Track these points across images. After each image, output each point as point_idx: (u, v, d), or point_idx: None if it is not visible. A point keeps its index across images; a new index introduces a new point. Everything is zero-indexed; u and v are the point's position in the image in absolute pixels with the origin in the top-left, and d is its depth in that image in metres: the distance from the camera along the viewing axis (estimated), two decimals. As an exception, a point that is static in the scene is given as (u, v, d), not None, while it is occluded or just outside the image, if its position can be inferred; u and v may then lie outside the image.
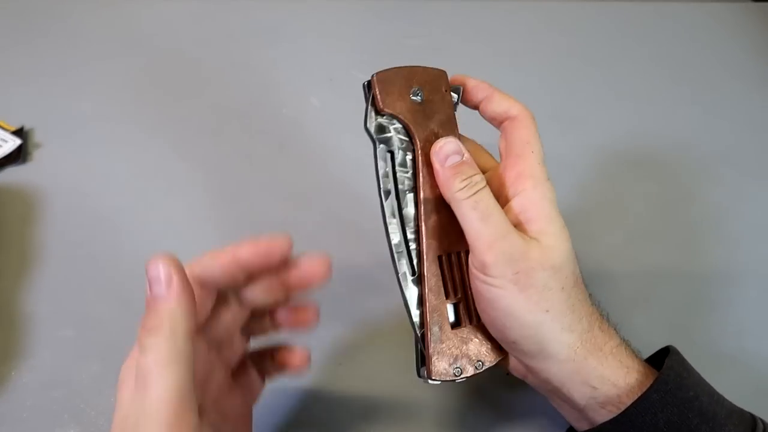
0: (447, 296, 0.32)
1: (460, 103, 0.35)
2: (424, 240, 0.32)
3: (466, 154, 0.32)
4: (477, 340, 0.32)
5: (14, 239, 0.45)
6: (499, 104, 0.33)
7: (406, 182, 0.33)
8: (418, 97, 0.33)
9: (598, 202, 0.50)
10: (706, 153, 0.54)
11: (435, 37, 0.63)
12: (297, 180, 0.50)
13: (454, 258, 0.33)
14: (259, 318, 0.34)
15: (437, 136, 0.33)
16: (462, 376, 0.32)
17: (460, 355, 0.32)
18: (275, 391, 0.39)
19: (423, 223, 0.32)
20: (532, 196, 0.31)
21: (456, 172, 0.31)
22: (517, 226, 0.31)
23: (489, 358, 0.32)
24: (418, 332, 0.32)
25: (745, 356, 0.41)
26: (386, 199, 0.33)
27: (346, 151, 0.52)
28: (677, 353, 0.31)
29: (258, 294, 0.32)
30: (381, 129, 0.33)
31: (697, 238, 0.48)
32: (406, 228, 0.32)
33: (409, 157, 0.33)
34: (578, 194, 0.51)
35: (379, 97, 0.32)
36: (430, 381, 0.31)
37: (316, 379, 0.39)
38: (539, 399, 0.34)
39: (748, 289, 0.45)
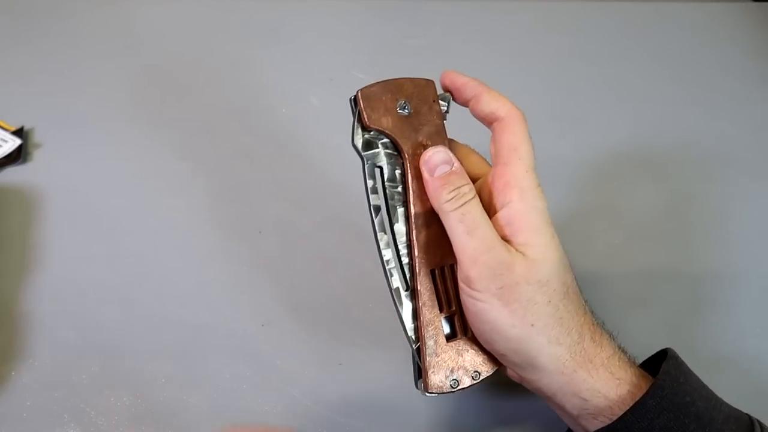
0: (441, 309, 0.32)
1: (453, 104, 0.34)
2: (416, 255, 0.32)
3: (456, 164, 0.31)
4: (473, 351, 0.32)
5: (14, 239, 0.45)
6: (487, 105, 0.32)
7: (396, 197, 0.33)
8: (405, 111, 0.33)
9: (598, 202, 0.50)
10: (705, 153, 0.54)
11: (435, 37, 0.63)
12: (297, 180, 0.50)
13: (447, 270, 0.32)
14: None
15: (426, 149, 0.32)
16: (459, 387, 0.32)
17: (456, 367, 0.32)
18: (275, 391, 0.39)
19: (414, 239, 0.32)
20: (519, 207, 0.30)
21: (444, 183, 0.31)
22: (504, 238, 0.30)
23: (486, 368, 0.32)
24: (413, 346, 0.32)
25: (744, 357, 0.41)
26: (376, 215, 0.32)
27: (346, 151, 0.51)
28: (675, 357, 0.31)
29: None
30: (368, 145, 0.33)
31: (697, 238, 0.48)
32: (398, 243, 0.32)
33: (398, 171, 0.33)
34: (578, 194, 0.51)
35: (364, 113, 0.32)
36: (427, 394, 0.32)
37: (317, 379, 0.39)
38: (540, 400, 0.34)
39: (747, 289, 0.45)
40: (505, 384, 0.38)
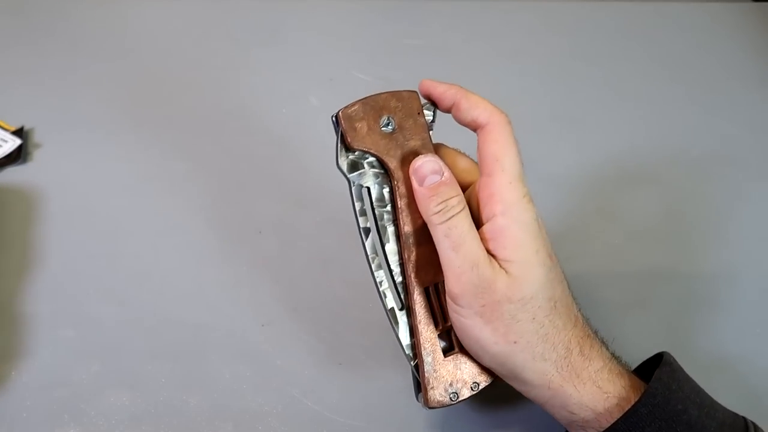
0: (437, 325, 0.32)
1: (439, 112, 0.34)
2: (409, 274, 0.32)
3: (446, 173, 0.30)
4: (471, 363, 0.32)
5: (14, 239, 0.45)
6: (466, 112, 0.31)
7: (386, 216, 0.32)
8: (389, 127, 0.32)
9: (598, 202, 0.50)
10: (705, 153, 0.54)
11: (435, 37, 0.63)
12: (297, 180, 0.50)
13: (441, 286, 0.32)
14: None
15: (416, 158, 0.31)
16: (458, 400, 0.32)
17: (455, 380, 0.32)
18: (275, 391, 0.39)
19: (407, 258, 0.32)
20: (501, 222, 0.30)
21: (433, 195, 0.30)
22: (490, 252, 0.30)
23: (484, 378, 0.33)
24: (411, 363, 0.32)
25: (743, 357, 0.41)
26: (367, 237, 0.32)
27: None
28: (669, 363, 0.31)
29: None
30: (354, 165, 0.32)
31: (697, 238, 0.48)
32: (390, 262, 0.32)
33: (386, 190, 0.32)
34: (578, 194, 0.50)
35: (347, 134, 0.31)
36: (428, 409, 0.32)
37: (317, 379, 0.39)
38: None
39: (747, 289, 0.45)
40: (504, 384, 0.38)
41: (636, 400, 0.29)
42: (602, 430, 0.29)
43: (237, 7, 0.65)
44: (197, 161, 0.51)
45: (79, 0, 0.64)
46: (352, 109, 0.31)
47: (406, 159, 0.32)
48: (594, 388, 0.30)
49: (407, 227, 0.32)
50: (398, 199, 0.32)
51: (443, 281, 0.31)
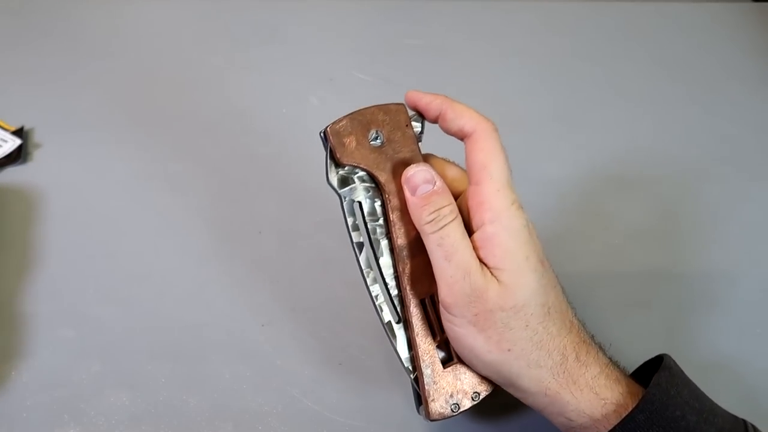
0: (435, 337, 0.32)
1: (427, 123, 0.34)
2: (405, 287, 0.32)
3: (438, 182, 0.30)
4: (470, 373, 0.32)
5: (14, 239, 0.45)
6: (452, 122, 0.31)
7: (378, 230, 0.32)
8: (378, 141, 0.32)
9: (598, 202, 0.50)
10: (705, 153, 0.54)
11: (435, 37, 0.63)
12: (297, 180, 0.50)
13: (436, 298, 0.32)
14: None
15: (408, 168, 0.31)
16: (460, 411, 0.32)
17: (455, 391, 0.32)
18: (275, 391, 0.39)
19: (401, 271, 0.32)
20: (489, 230, 0.30)
21: (425, 204, 0.30)
22: (481, 261, 0.30)
23: (484, 387, 0.32)
24: (411, 376, 0.32)
25: (743, 357, 0.41)
26: (360, 251, 0.32)
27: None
28: (668, 367, 0.31)
29: None
30: (344, 181, 0.32)
31: (697, 238, 0.48)
32: (385, 276, 0.32)
33: (377, 203, 0.32)
34: (578, 194, 0.51)
35: (336, 150, 0.31)
36: (430, 421, 0.32)
37: (317, 379, 0.39)
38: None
39: (747, 289, 0.45)
40: (504, 391, 0.38)
41: (634, 406, 0.29)
42: None
43: (237, 7, 0.65)
44: (197, 161, 0.51)
45: (79, 0, 0.64)
46: (340, 124, 0.31)
47: (397, 171, 0.32)
48: (591, 394, 0.30)
49: (401, 239, 0.32)
50: (390, 212, 0.32)
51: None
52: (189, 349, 0.40)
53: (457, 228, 0.30)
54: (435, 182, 0.30)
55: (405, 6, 0.66)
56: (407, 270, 0.32)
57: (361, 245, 0.32)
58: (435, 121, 0.33)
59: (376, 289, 0.32)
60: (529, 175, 0.51)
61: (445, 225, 0.30)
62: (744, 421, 0.30)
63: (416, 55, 0.61)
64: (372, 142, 0.32)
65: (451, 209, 0.30)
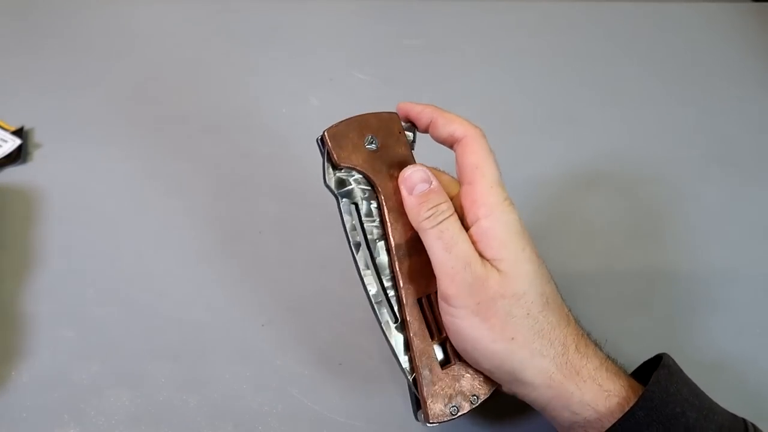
0: (432, 337, 0.32)
1: (418, 133, 0.35)
2: (401, 286, 0.32)
3: (435, 182, 0.31)
4: (468, 375, 0.32)
5: (14, 239, 0.45)
6: (443, 128, 0.33)
7: (375, 231, 0.33)
8: (373, 145, 0.33)
9: (597, 202, 0.50)
10: (705, 153, 0.54)
11: (434, 37, 0.63)
12: (297, 180, 0.50)
13: (433, 298, 0.32)
14: None
15: (397, 181, 0.32)
16: (459, 414, 0.31)
17: (454, 394, 0.32)
18: (275, 391, 0.39)
19: (398, 270, 0.32)
20: (485, 224, 0.31)
21: (423, 201, 0.31)
22: (479, 254, 0.31)
23: (483, 390, 0.32)
24: (409, 378, 0.32)
25: (743, 357, 0.41)
26: (357, 251, 0.33)
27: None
28: (668, 365, 0.31)
29: None
30: (341, 183, 0.33)
31: (697, 238, 0.48)
32: (382, 276, 0.32)
33: (373, 205, 0.33)
34: (577, 194, 0.51)
35: (333, 152, 0.32)
36: (428, 424, 0.31)
37: (317, 379, 0.39)
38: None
39: (747, 289, 0.45)
40: (503, 395, 0.38)
41: (635, 400, 0.29)
42: None
43: (237, 7, 0.65)
44: (197, 161, 0.51)
45: (79, 0, 0.64)
46: (337, 128, 0.32)
47: (391, 175, 0.33)
48: (594, 385, 0.30)
49: (397, 239, 0.32)
50: (386, 213, 0.32)
51: (436, 292, 0.32)
52: (189, 349, 0.40)
53: (455, 222, 0.31)
54: (431, 182, 0.31)
55: (405, 6, 0.66)
56: (404, 269, 0.32)
57: (358, 245, 0.33)
58: (426, 129, 0.34)
59: (373, 289, 0.32)
60: (529, 174, 0.51)
61: (444, 219, 0.30)
62: (744, 420, 0.30)
63: (416, 55, 0.61)
64: (367, 146, 0.33)
65: (448, 206, 0.31)
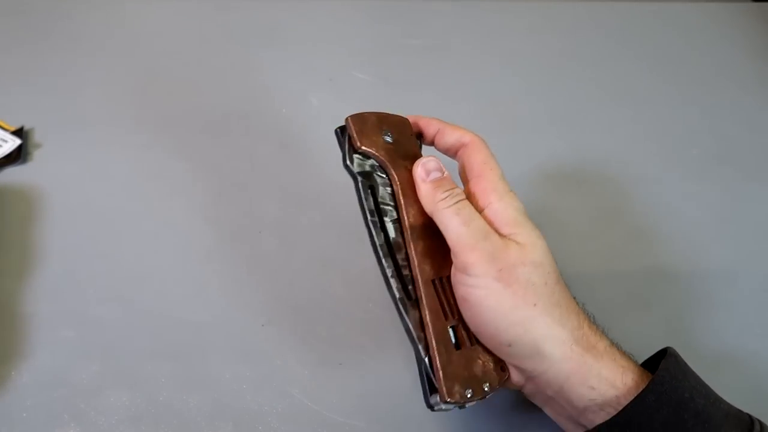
0: (446, 318, 0.32)
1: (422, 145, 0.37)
2: (416, 265, 0.32)
3: (446, 172, 0.34)
4: (480, 361, 0.32)
5: (14, 239, 0.45)
6: (451, 135, 0.35)
7: (390, 213, 0.34)
8: (389, 138, 0.35)
9: (598, 202, 0.50)
10: (705, 153, 0.54)
11: (435, 37, 0.63)
12: (297, 180, 0.50)
13: (445, 281, 0.33)
14: None
15: (410, 173, 0.34)
16: (472, 397, 0.31)
17: (467, 377, 0.31)
18: (275, 391, 0.39)
19: (412, 250, 0.33)
20: (498, 206, 0.33)
21: (438, 185, 0.33)
22: None
23: (493, 379, 0.32)
24: (423, 355, 0.32)
25: (744, 357, 0.42)
26: (375, 231, 0.33)
27: (346, 151, 0.52)
28: (674, 355, 0.31)
29: None
30: (359, 166, 0.34)
31: (697, 238, 0.48)
32: (397, 256, 0.33)
33: (388, 191, 0.34)
34: (577, 194, 0.51)
35: (355, 136, 0.34)
36: (443, 406, 0.31)
37: (317, 379, 0.39)
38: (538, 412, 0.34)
39: (747, 289, 0.45)
40: (504, 393, 0.38)
41: (646, 383, 0.29)
42: (611, 416, 0.29)
43: (237, 7, 0.65)
44: (197, 161, 0.51)
45: (79, 0, 0.64)
46: (359, 116, 0.34)
47: (405, 166, 0.34)
48: (610, 361, 0.31)
49: (411, 220, 0.33)
50: (401, 199, 0.33)
51: (448, 276, 0.32)
52: (189, 349, 0.40)
53: (470, 204, 0.33)
54: (444, 171, 0.34)
55: (405, 6, 0.66)
56: (419, 249, 0.33)
57: (375, 223, 0.33)
58: (432, 138, 0.37)
59: (389, 266, 0.33)
60: (529, 174, 0.51)
61: (460, 200, 0.32)
62: (748, 415, 0.31)
63: (416, 55, 0.61)
64: (384, 137, 0.35)
65: (460, 191, 0.33)
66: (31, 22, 0.62)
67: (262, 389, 0.39)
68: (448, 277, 0.33)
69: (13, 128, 0.52)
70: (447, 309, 0.32)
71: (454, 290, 0.32)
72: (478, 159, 0.34)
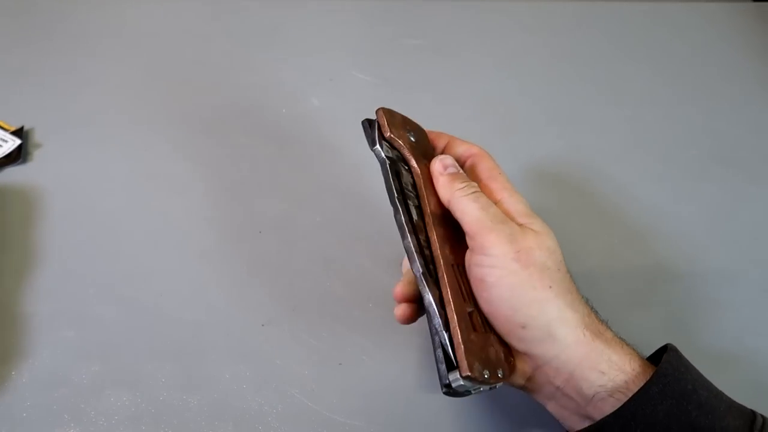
0: (465, 300, 0.32)
1: None
2: (437, 246, 0.33)
3: (461, 170, 0.36)
4: (494, 348, 0.32)
5: (14, 239, 0.45)
6: (460, 146, 0.38)
7: (412, 199, 0.35)
8: (412, 137, 0.37)
9: (598, 202, 0.50)
10: (705, 153, 0.54)
11: (435, 37, 0.63)
12: (297, 180, 0.50)
13: (461, 268, 0.33)
14: None
15: (429, 169, 0.36)
16: (488, 380, 0.31)
17: (484, 358, 0.31)
18: (275, 391, 0.39)
19: (434, 233, 0.34)
20: (510, 201, 0.34)
21: (455, 177, 0.35)
22: None
23: (505, 367, 0.32)
24: (445, 333, 0.31)
25: (744, 357, 0.42)
26: (402, 206, 0.34)
27: (346, 152, 0.52)
28: (675, 350, 0.32)
29: None
30: (387, 152, 0.36)
31: (697, 238, 0.48)
32: (419, 236, 0.34)
33: (411, 180, 0.36)
34: (578, 194, 0.51)
35: (386, 125, 0.36)
36: (461, 382, 0.30)
37: (317, 379, 0.39)
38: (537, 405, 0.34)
39: (747, 289, 0.45)
40: (504, 393, 0.38)
41: (651, 374, 0.30)
42: (617, 408, 0.29)
43: (237, 7, 0.65)
44: (197, 161, 0.51)
45: (79, 0, 0.64)
46: (389, 110, 0.37)
47: (425, 164, 0.36)
48: (618, 347, 0.31)
49: (432, 208, 0.35)
50: (422, 188, 0.35)
51: (462, 265, 0.33)
52: (189, 349, 0.40)
53: (485, 195, 0.34)
54: (459, 169, 0.36)
55: (405, 6, 0.66)
56: (439, 233, 0.34)
57: (402, 201, 0.34)
58: (440, 150, 0.39)
59: (413, 241, 0.33)
60: (529, 174, 0.51)
61: (477, 191, 0.34)
62: (751, 409, 0.31)
63: (416, 55, 0.61)
64: (408, 135, 0.37)
65: (476, 184, 0.35)
66: (31, 22, 0.62)
67: (262, 389, 0.39)
68: (463, 266, 0.33)
69: (13, 128, 0.52)
70: (465, 292, 0.33)
71: (469, 273, 0.33)
72: (488, 165, 0.37)
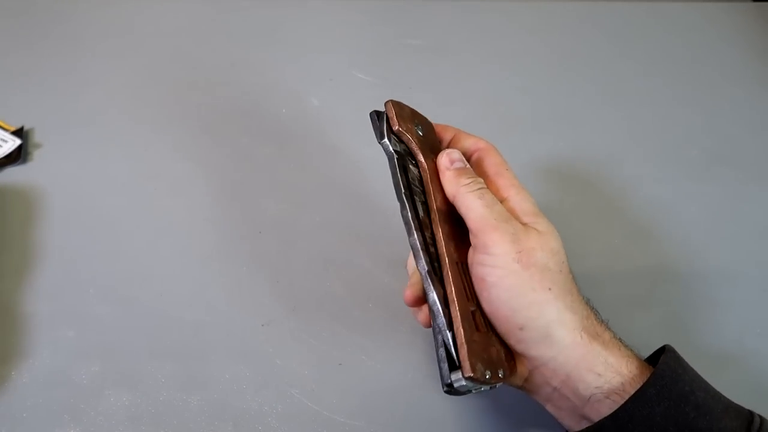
0: (468, 299, 0.32)
1: None
2: (442, 244, 0.33)
3: (468, 165, 0.35)
4: (495, 348, 0.32)
5: (14, 239, 0.45)
6: (467, 140, 0.37)
7: (418, 195, 0.35)
8: (419, 131, 0.37)
9: (598, 202, 0.50)
10: (705, 153, 0.54)
11: (435, 37, 0.63)
12: (297, 180, 0.50)
13: (464, 267, 0.33)
14: None
15: (435, 164, 0.36)
16: (489, 380, 0.31)
17: (486, 358, 0.31)
18: (275, 391, 0.39)
19: (439, 230, 0.33)
20: (517, 199, 0.34)
21: (461, 173, 0.34)
22: None
23: (506, 367, 0.32)
24: (447, 332, 0.31)
25: (743, 357, 0.42)
26: (408, 201, 0.34)
27: (346, 151, 0.52)
28: (673, 351, 0.32)
29: None
30: (395, 146, 0.36)
31: (697, 238, 0.48)
32: (425, 233, 0.34)
33: (417, 174, 0.35)
34: (578, 194, 0.51)
35: (395, 118, 0.36)
36: (463, 383, 0.30)
37: (317, 379, 0.39)
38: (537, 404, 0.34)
39: (747, 289, 0.45)
40: (504, 393, 0.38)
41: (648, 376, 0.30)
42: (620, 404, 0.29)
43: (237, 7, 0.65)
44: (197, 161, 0.51)
45: (79, 0, 0.64)
46: (398, 103, 0.36)
47: (432, 159, 0.36)
48: (616, 349, 0.31)
49: (438, 204, 0.34)
50: (428, 183, 0.35)
51: (466, 263, 0.33)
52: (189, 349, 0.40)
53: (491, 192, 0.34)
54: (466, 164, 0.35)
55: (405, 6, 0.66)
56: (445, 230, 0.34)
57: (408, 197, 0.34)
58: (447, 144, 0.38)
59: (418, 237, 0.33)
60: (529, 173, 0.51)
61: (482, 187, 0.34)
62: (748, 410, 0.31)
63: (416, 55, 0.61)
64: (416, 128, 0.36)
65: (482, 180, 0.34)
66: (31, 22, 0.62)
67: (262, 389, 0.39)
68: (466, 264, 0.33)
69: (13, 128, 0.52)
70: (469, 292, 0.33)
71: (472, 271, 0.33)
72: (495, 160, 0.36)
